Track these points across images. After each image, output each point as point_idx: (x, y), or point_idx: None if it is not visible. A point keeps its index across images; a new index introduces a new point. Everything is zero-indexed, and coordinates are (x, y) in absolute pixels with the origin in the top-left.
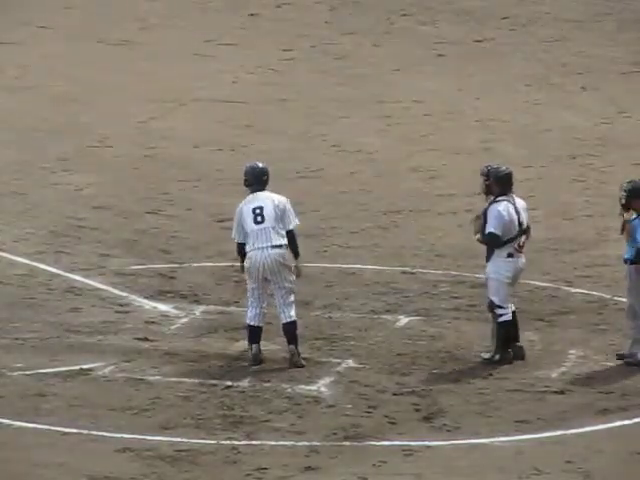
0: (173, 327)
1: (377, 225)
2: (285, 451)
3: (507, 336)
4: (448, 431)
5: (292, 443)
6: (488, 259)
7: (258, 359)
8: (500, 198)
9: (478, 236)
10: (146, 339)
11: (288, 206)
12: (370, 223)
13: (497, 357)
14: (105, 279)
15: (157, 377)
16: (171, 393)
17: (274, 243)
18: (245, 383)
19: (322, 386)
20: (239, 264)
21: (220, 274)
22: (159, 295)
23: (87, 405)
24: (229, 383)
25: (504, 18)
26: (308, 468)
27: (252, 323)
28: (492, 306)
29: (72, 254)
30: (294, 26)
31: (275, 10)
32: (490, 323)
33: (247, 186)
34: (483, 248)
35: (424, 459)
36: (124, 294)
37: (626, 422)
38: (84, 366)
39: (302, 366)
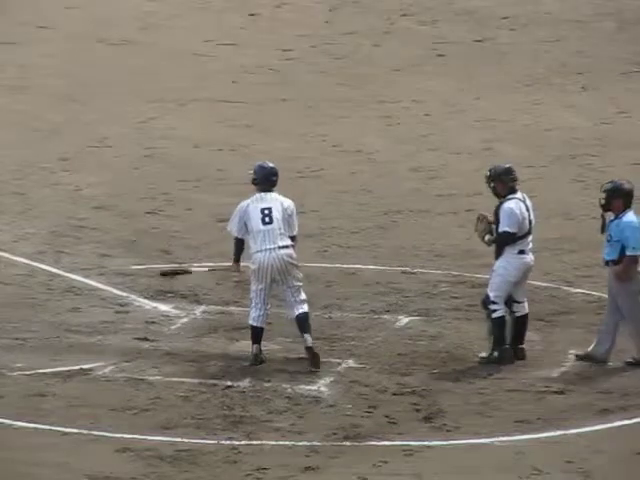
0: (173, 327)
1: (377, 225)
2: (285, 451)
3: (502, 332)
4: (448, 431)
5: (292, 443)
6: (498, 256)
7: (259, 359)
8: (509, 196)
9: (487, 237)
10: (146, 339)
11: (294, 211)
12: (370, 223)
13: (495, 354)
14: (105, 279)
15: (157, 377)
16: (171, 393)
17: (281, 244)
18: (245, 383)
19: (322, 386)
20: (233, 257)
21: (220, 274)
22: (159, 295)
23: (87, 405)
24: (229, 383)
25: (504, 18)
26: (308, 468)
27: (255, 324)
28: (486, 302)
29: (72, 254)
30: (294, 26)
31: (275, 10)
32: (484, 322)
33: (255, 184)
34: (485, 248)
35: (424, 459)
36: (124, 294)
37: (626, 422)
38: (84, 366)
39: (317, 355)
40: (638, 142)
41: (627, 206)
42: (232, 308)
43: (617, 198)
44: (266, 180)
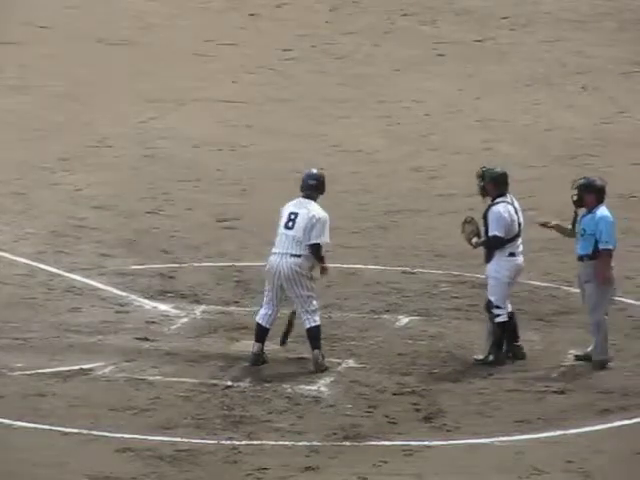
0: (173, 327)
1: (377, 225)
2: (285, 451)
3: (502, 337)
4: (448, 431)
5: (292, 443)
6: (488, 260)
7: (259, 359)
8: (498, 200)
9: (475, 240)
10: (146, 339)
11: (322, 222)
12: (370, 223)
13: (491, 358)
14: (105, 279)
15: (157, 377)
16: (171, 393)
17: (293, 252)
18: (245, 383)
19: (322, 386)
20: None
21: (220, 274)
22: (159, 295)
23: (87, 405)
24: (229, 383)
25: (504, 18)
26: (308, 468)
27: (260, 322)
28: (489, 306)
29: (72, 254)
30: (294, 26)
31: (275, 10)
32: (485, 323)
33: (301, 191)
34: (483, 249)
35: (424, 459)
36: (124, 294)
37: (626, 422)
38: (84, 366)
39: (326, 369)
40: (638, 142)
41: (599, 201)
42: (232, 308)
43: (589, 193)
44: (305, 184)
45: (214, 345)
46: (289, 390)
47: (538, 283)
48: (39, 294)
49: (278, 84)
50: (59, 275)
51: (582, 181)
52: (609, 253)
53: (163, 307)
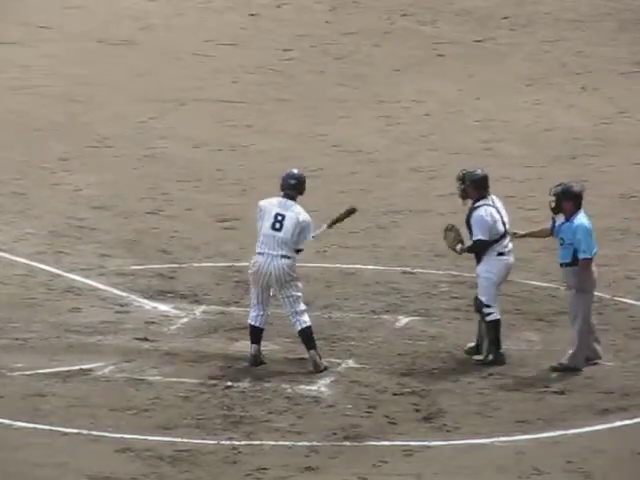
0: (173, 327)
1: (377, 225)
2: (285, 451)
3: (498, 335)
4: (448, 431)
5: (292, 443)
6: (479, 261)
7: (257, 360)
8: (479, 203)
9: (459, 247)
10: (146, 339)
11: (308, 226)
12: (370, 223)
13: (490, 357)
14: (105, 279)
15: (157, 377)
16: (171, 393)
17: (284, 253)
18: (245, 383)
19: (322, 386)
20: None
21: (220, 274)
22: (159, 295)
23: (87, 405)
24: (229, 383)
25: (504, 18)
26: (308, 468)
27: (253, 323)
28: (480, 306)
29: (72, 254)
30: (294, 26)
31: (275, 10)
32: (475, 323)
33: (281, 190)
34: None
35: (424, 459)
36: (124, 294)
37: (626, 422)
38: (84, 366)
39: (325, 369)
40: (638, 142)
41: (577, 208)
42: (232, 308)
43: (567, 200)
44: (285, 184)
45: (214, 345)
46: (289, 390)
47: (538, 283)
48: (39, 294)
49: (278, 84)
50: (59, 275)
51: (559, 188)
52: (588, 262)
53: (163, 307)
